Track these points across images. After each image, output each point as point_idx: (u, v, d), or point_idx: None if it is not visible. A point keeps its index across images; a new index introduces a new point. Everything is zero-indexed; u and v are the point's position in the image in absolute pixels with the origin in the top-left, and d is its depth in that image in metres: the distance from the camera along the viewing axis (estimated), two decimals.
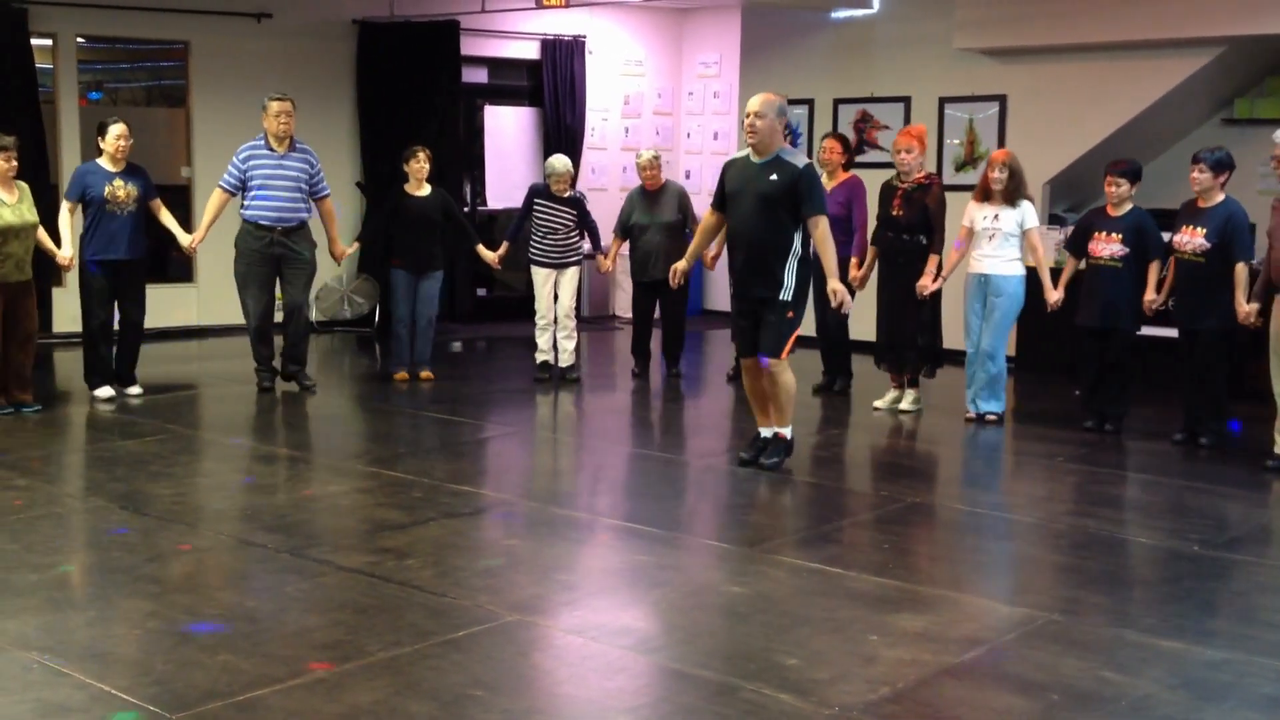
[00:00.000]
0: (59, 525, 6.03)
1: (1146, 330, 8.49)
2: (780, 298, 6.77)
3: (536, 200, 9.80)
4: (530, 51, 13.75)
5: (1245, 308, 7.38)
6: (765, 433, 7.14)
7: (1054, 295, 8.21)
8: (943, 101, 11.25)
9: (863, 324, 9.31)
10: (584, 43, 13.89)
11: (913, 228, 8.39)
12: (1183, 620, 4.90)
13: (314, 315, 12.23)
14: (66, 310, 11.08)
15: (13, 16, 10.97)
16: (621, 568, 5.60)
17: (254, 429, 8.45)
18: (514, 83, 14.00)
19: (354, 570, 5.32)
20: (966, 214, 8.42)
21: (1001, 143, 10.94)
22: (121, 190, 8.61)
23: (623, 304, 13.95)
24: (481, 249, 9.96)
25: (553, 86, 13.70)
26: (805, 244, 6.80)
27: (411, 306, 9.60)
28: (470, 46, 13.18)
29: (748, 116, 6.82)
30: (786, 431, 7.12)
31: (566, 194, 9.78)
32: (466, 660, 4.38)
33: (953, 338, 9.25)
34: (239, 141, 9.23)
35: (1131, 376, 8.16)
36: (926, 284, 8.33)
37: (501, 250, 9.96)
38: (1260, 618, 4.99)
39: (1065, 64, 10.59)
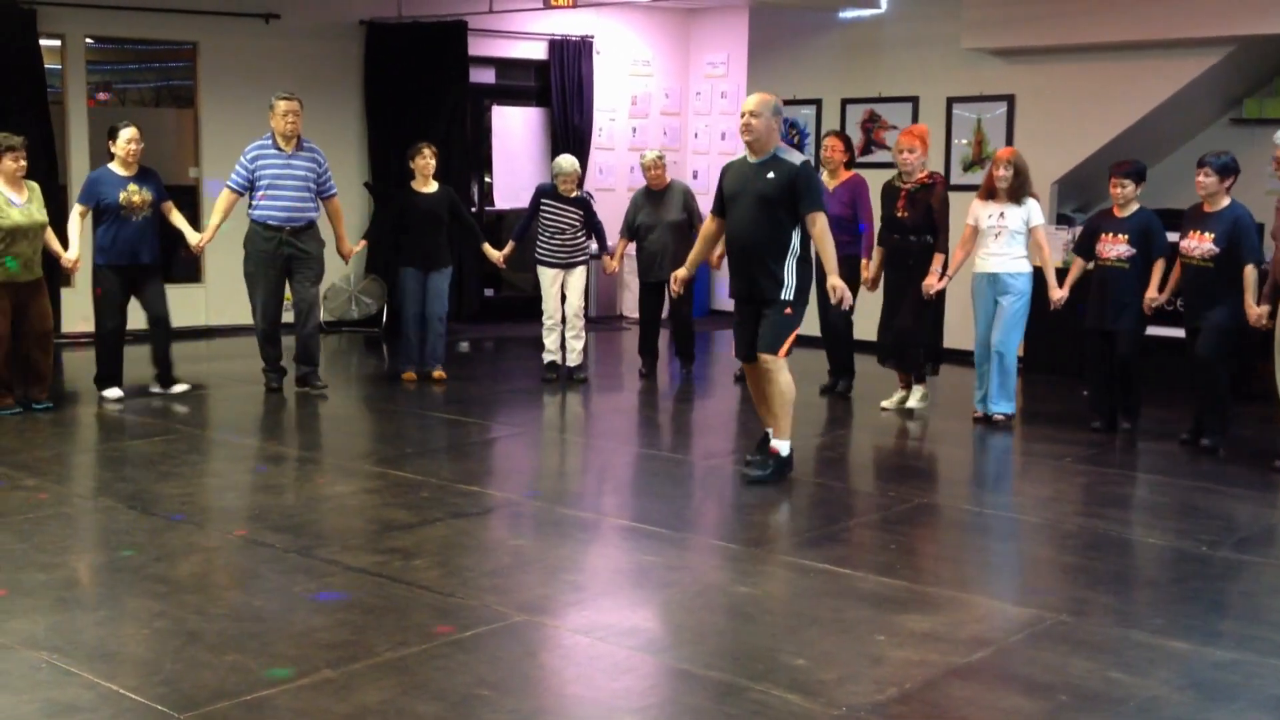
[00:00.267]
0: (67, 525, 6.04)
1: (1156, 331, 8.46)
2: (781, 297, 6.72)
3: (543, 200, 9.80)
4: (538, 52, 13.76)
5: (1256, 310, 7.34)
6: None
7: (1058, 293, 8.18)
8: (950, 101, 11.23)
9: (868, 323, 9.29)
10: (591, 43, 13.89)
11: (918, 228, 8.37)
12: (1191, 621, 4.89)
13: (322, 315, 12.26)
14: (76, 310, 11.11)
15: (22, 17, 11.00)
16: (629, 568, 5.60)
17: (262, 429, 8.47)
18: (521, 83, 14.01)
19: (361, 570, 5.33)
20: (971, 213, 8.39)
21: (1009, 143, 10.92)
22: (136, 196, 8.62)
23: (630, 304, 13.96)
24: (487, 248, 9.97)
25: (560, 87, 13.71)
26: (805, 243, 6.75)
27: (421, 305, 9.60)
28: (478, 47, 13.19)
29: (743, 116, 6.77)
30: (783, 446, 6.88)
31: (573, 194, 9.78)
32: (473, 660, 4.39)
33: (957, 337, 9.25)
34: (247, 142, 9.23)
35: (1140, 376, 8.13)
36: (932, 283, 8.32)
37: (507, 250, 9.96)
38: (1268, 618, 4.98)
39: (1073, 64, 10.57)
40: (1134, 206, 7.99)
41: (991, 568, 5.80)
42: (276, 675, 4.21)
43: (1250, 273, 7.41)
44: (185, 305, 12.02)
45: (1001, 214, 8.20)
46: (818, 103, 12.09)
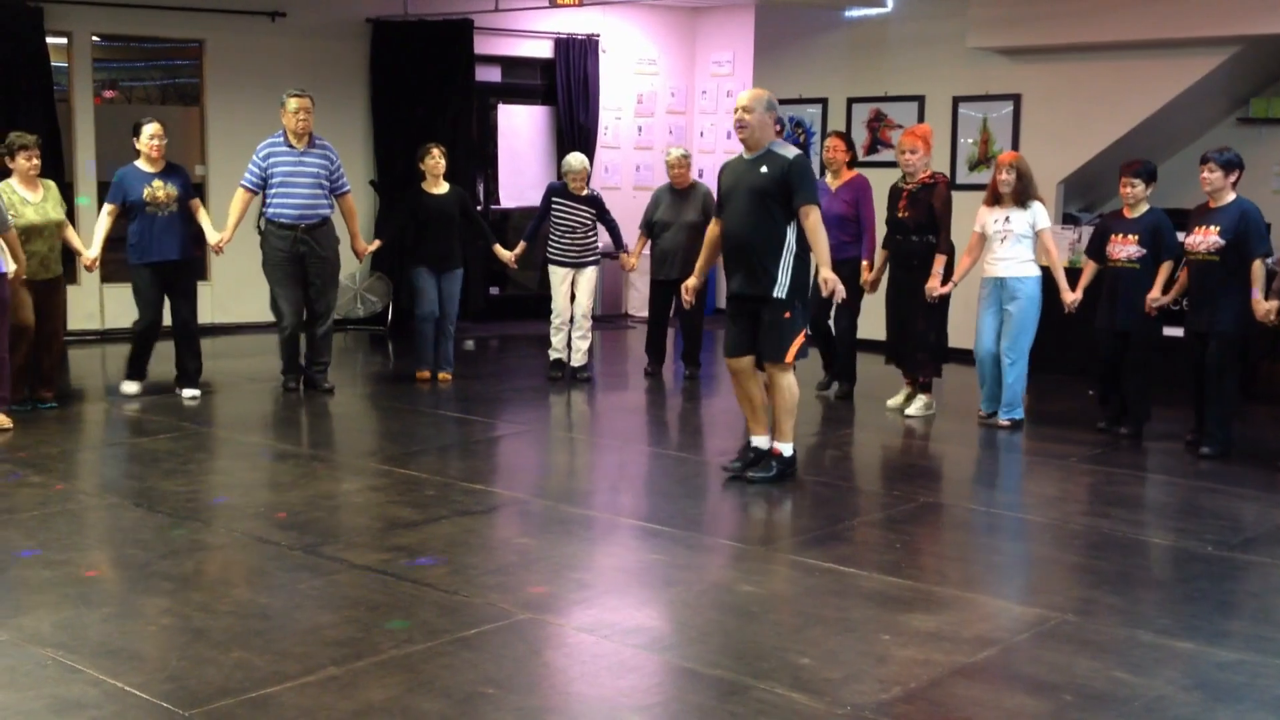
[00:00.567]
0: (74, 522, 6.05)
1: (1166, 331, 8.42)
2: (775, 295, 6.61)
3: (554, 199, 9.80)
4: (544, 50, 13.76)
5: (1265, 305, 7.32)
6: (757, 441, 6.92)
7: (1070, 296, 8.16)
8: (956, 101, 11.23)
9: (871, 323, 9.27)
10: (597, 41, 13.90)
11: (920, 228, 8.35)
12: (1197, 621, 4.88)
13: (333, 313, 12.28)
14: (82, 308, 11.13)
15: (29, 15, 11.01)
16: (634, 566, 5.60)
17: (268, 427, 8.47)
18: (527, 81, 14.01)
19: (367, 568, 5.33)
20: (978, 219, 8.36)
21: (1016, 142, 10.92)
22: (161, 191, 8.62)
23: (635, 303, 13.96)
24: (498, 248, 9.96)
25: (566, 85, 13.71)
26: (801, 239, 6.65)
27: (436, 305, 9.59)
28: (484, 45, 13.20)
29: (736, 112, 6.70)
30: (785, 448, 6.82)
31: (584, 192, 9.78)
32: (478, 658, 4.39)
33: (961, 338, 9.22)
34: (253, 140, 9.23)
35: (1152, 379, 8.09)
36: (935, 286, 8.28)
37: (518, 249, 9.95)
38: (1275, 619, 4.97)
39: (1080, 63, 10.56)
40: (1144, 207, 7.97)
41: (997, 567, 5.80)
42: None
43: (1259, 266, 7.38)
44: None
45: (1007, 218, 8.17)
46: (823, 101, 12.09)
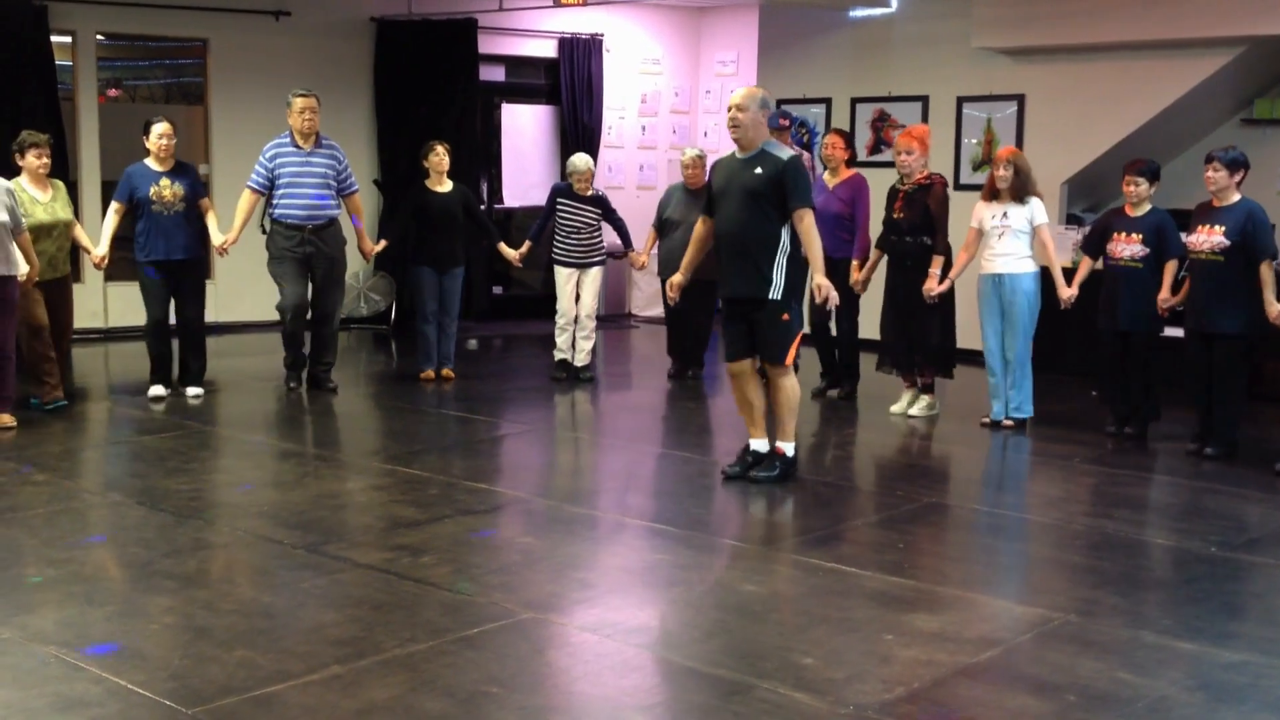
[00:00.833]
0: (78, 520, 6.06)
1: (1169, 331, 8.40)
2: (770, 296, 6.55)
3: (559, 200, 9.79)
4: (548, 50, 13.76)
5: (1276, 307, 7.27)
6: (756, 445, 6.87)
7: (1067, 292, 8.09)
8: (961, 101, 11.22)
9: (873, 324, 9.24)
10: (601, 41, 13.90)
11: (915, 229, 8.30)
12: (1200, 622, 4.88)
13: (339, 313, 12.27)
14: (86, 306, 11.13)
15: (33, 14, 11.02)
16: (637, 566, 5.60)
17: (271, 426, 8.47)
18: (531, 81, 14.02)
19: (370, 567, 5.33)
20: (974, 215, 8.30)
21: (1020, 142, 10.90)
22: (168, 190, 8.60)
23: (639, 303, 13.96)
24: (503, 246, 9.94)
25: (570, 85, 13.71)
26: (795, 241, 6.57)
27: (438, 303, 9.58)
28: (488, 45, 13.20)
29: (729, 111, 6.64)
30: (788, 447, 6.80)
31: (589, 193, 9.78)
32: (482, 657, 4.39)
33: (967, 337, 9.21)
34: (257, 139, 9.24)
35: (1156, 379, 8.06)
36: (932, 286, 8.24)
37: (524, 249, 9.94)
38: (1278, 620, 4.96)
39: (1084, 63, 10.55)
40: (1147, 206, 7.94)
41: (1000, 568, 5.79)
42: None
43: (1268, 269, 7.31)
44: None
45: (1005, 214, 8.11)
46: (827, 101, 12.08)
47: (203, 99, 12.27)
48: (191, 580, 5.18)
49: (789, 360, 6.67)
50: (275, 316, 9.31)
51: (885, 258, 8.63)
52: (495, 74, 13.73)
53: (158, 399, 8.73)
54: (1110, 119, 10.38)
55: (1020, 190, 8.09)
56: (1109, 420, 8.19)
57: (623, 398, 9.83)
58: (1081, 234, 10.08)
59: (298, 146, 8.99)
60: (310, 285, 9.12)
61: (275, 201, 9.00)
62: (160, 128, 8.66)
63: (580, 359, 9.88)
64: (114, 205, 8.72)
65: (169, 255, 8.66)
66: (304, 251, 8.99)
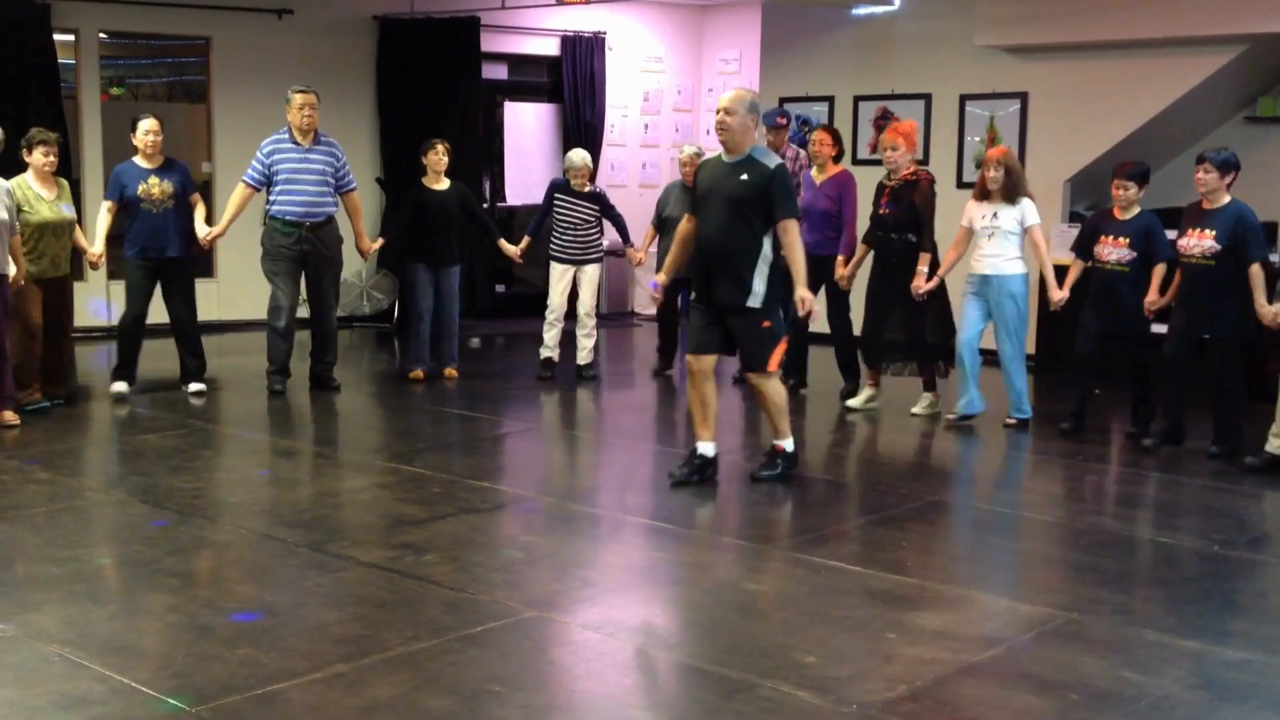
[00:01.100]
0: (81, 519, 6.06)
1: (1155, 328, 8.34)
2: (749, 305, 6.44)
3: (557, 195, 9.77)
4: (550, 48, 13.76)
5: (1269, 309, 7.23)
6: (704, 448, 6.68)
7: (1058, 294, 8.03)
8: (963, 99, 11.21)
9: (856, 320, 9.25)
10: (604, 39, 13.90)
11: (901, 225, 8.25)
12: (1203, 620, 4.88)
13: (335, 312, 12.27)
14: (89, 305, 11.14)
15: (35, 12, 11.03)
16: (640, 564, 5.60)
17: (274, 424, 8.47)
18: (534, 79, 14.02)
19: (373, 565, 5.34)
20: (965, 214, 8.26)
21: (1022, 140, 10.90)
22: (155, 188, 8.58)
23: (642, 300, 13.96)
24: (503, 243, 9.92)
25: (573, 83, 13.71)
26: (776, 249, 6.46)
27: (432, 302, 9.57)
28: (490, 43, 13.20)
29: (718, 113, 6.52)
30: (787, 444, 6.74)
31: (586, 189, 9.76)
32: (485, 656, 4.39)
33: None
34: (260, 137, 9.21)
35: (1153, 380, 8.03)
36: (920, 284, 8.19)
37: (523, 244, 9.92)
38: None
39: (1087, 61, 10.54)
40: (1136, 209, 7.89)
41: (1002, 566, 5.79)
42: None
43: (1258, 271, 7.27)
44: (198, 300, 12.04)
45: (995, 214, 8.06)
46: (830, 99, 12.07)
47: (205, 97, 12.28)
48: (195, 578, 5.19)
49: (773, 367, 6.57)
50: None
51: (871, 253, 8.58)
52: (498, 72, 13.74)
53: (120, 396, 8.67)
54: (1113, 117, 10.37)
55: (1011, 191, 8.04)
56: (1065, 419, 8.09)
57: (625, 396, 9.83)
58: None
59: (296, 143, 8.92)
60: (305, 284, 9.06)
61: (273, 198, 8.93)
62: (147, 124, 8.62)
63: (582, 357, 9.86)
64: (105, 204, 8.69)
65: (158, 254, 8.62)
66: (300, 249, 8.92)
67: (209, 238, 8.92)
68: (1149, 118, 10.25)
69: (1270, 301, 7.26)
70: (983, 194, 8.17)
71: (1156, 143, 10.06)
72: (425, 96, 12.75)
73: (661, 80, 14.58)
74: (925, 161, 11.24)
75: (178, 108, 13.04)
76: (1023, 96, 10.91)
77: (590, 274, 9.81)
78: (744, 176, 6.42)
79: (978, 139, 11.14)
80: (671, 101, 14.68)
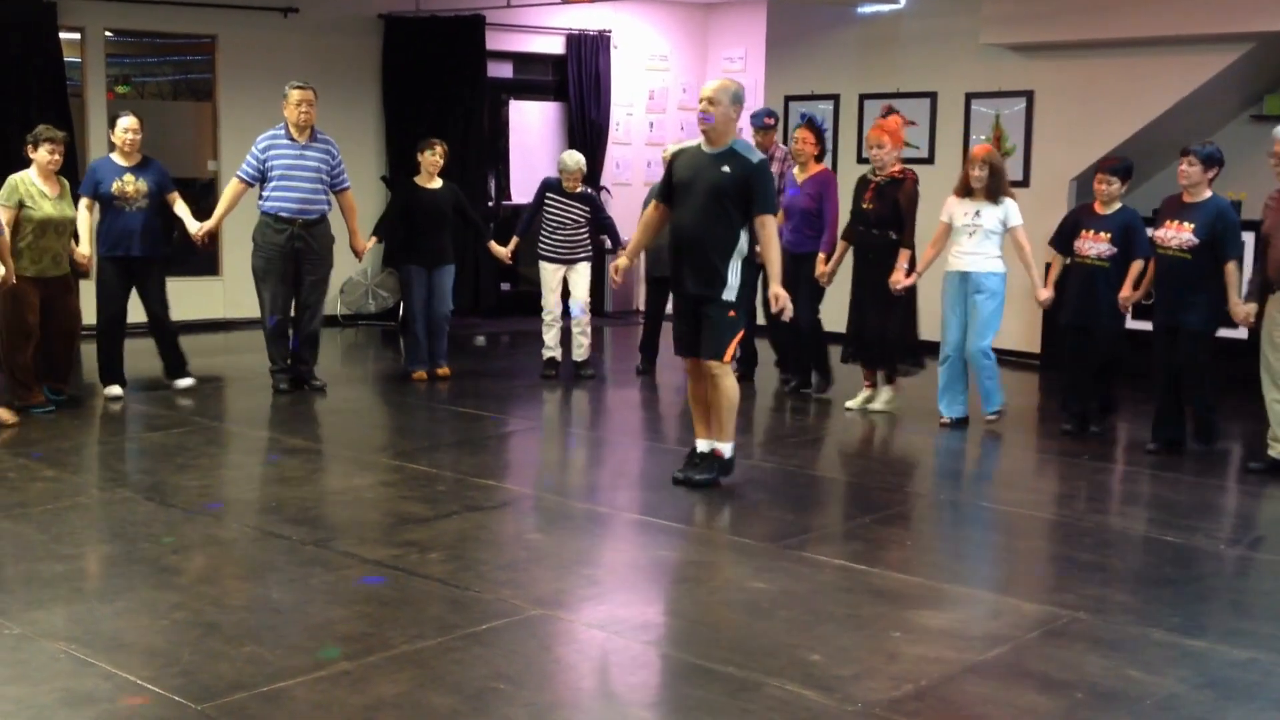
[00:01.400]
0: (85, 516, 6.07)
1: (1135, 325, 8.30)
2: (722, 296, 6.37)
3: (548, 195, 9.72)
4: (555, 46, 13.76)
5: (1243, 308, 7.18)
6: (702, 446, 6.67)
7: (1044, 294, 8.00)
8: (969, 97, 11.20)
9: (831, 318, 9.22)
10: (609, 38, 13.89)
11: (883, 222, 8.22)
12: (1208, 619, 4.88)
13: (339, 309, 12.27)
14: (93, 304, 11.14)
15: (42, 10, 11.04)
16: (644, 563, 5.60)
17: (278, 422, 8.47)
18: (539, 77, 14.02)
19: (377, 563, 5.34)
20: (945, 210, 8.20)
21: (1028, 138, 10.90)
22: (130, 186, 8.49)
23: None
24: (493, 245, 9.87)
25: (578, 81, 13.71)
26: (752, 243, 6.40)
27: (426, 302, 9.53)
28: (495, 41, 13.21)
29: (701, 103, 6.44)
30: (725, 448, 6.60)
31: (578, 190, 9.72)
32: (489, 654, 4.39)
33: (927, 330, 9.10)
34: None
35: (1118, 375, 7.99)
36: (899, 279, 8.17)
37: (511, 245, 9.87)
38: None
39: (1092, 60, 10.53)
40: (1117, 205, 7.86)
41: (1007, 565, 5.79)
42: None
43: (1233, 269, 7.24)
44: (202, 298, 12.09)
45: (978, 212, 8.01)
46: (835, 98, 12.07)
47: (211, 95, 12.28)
48: (200, 576, 5.19)
49: (727, 358, 6.49)
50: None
51: (850, 249, 8.55)
52: (503, 70, 13.73)
53: (116, 398, 8.63)
54: (1119, 115, 10.36)
55: (995, 190, 8.00)
56: (1065, 418, 8.09)
57: (628, 394, 9.82)
58: None
59: (292, 139, 8.87)
60: (293, 283, 8.97)
61: (266, 194, 8.86)
62: (126, 122, 8.56)
63: (579, 354, 9.83)
64: (84, 202, 8.54)
65: (127, 252, 8.53)
66: (292, 246, 8.86)
67: (201, 233, 8.84)
68: (1155, 116, 10.24)
69: (1245, 300, 7.22)
70: (965, 191, 8.13)
71: (1162, 141, 10.05)
72: (430, 95, 12.75)
73: (666, 79, 14.58)
74: (931, 160, 11.26)
75: (183, 106, 13.06)
76: (1028, 95, 10.90)
77: (582, 270, 9.77)
78: (725, 169, 6.35)
79: (983, 137, 11.13)
80: (676, 100, 14.67)
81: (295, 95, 8.86)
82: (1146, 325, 8.01)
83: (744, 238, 6.39)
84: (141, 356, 9.19)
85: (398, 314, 12.69)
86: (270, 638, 4.49)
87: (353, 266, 11.75)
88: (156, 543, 5.58)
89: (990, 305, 8.05)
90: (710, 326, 6.43)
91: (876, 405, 8.61)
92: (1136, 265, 7.74)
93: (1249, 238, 7.96)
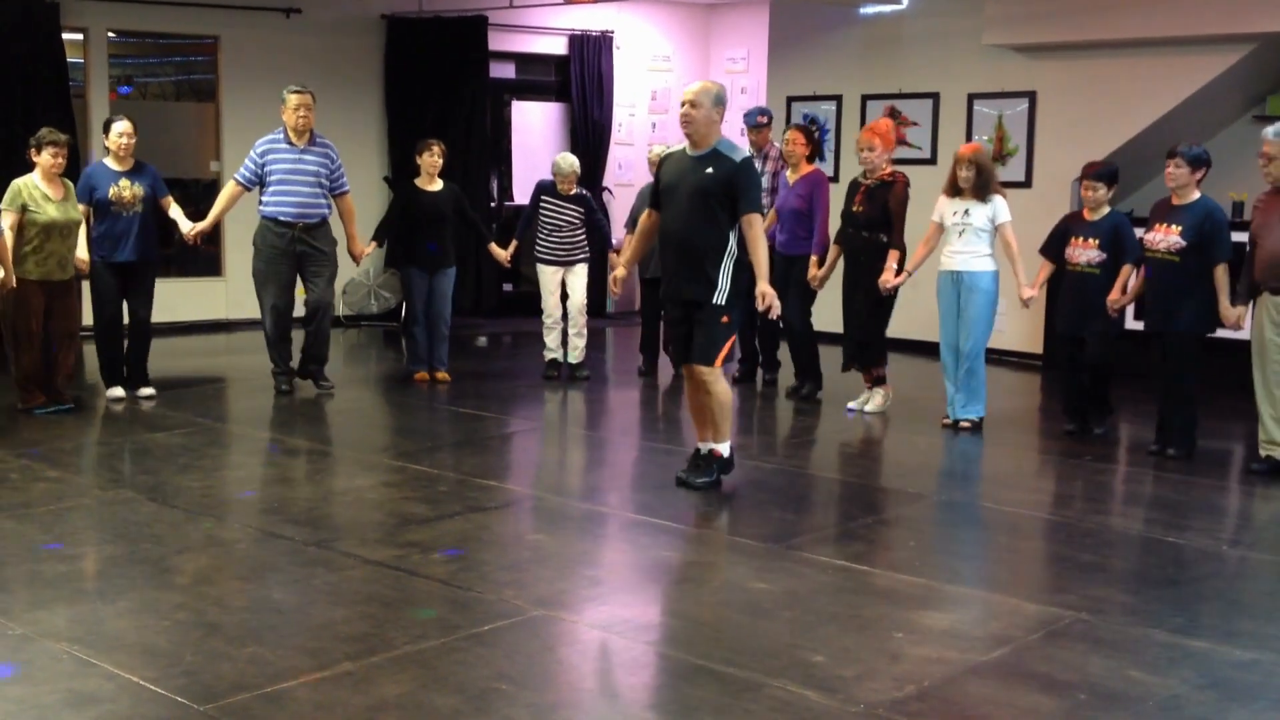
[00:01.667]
0: (88, 517, 6.07)
1: (1132, 326, 8.27)
2: (714, 301, 6.32)
3: (543, 197, 9.71)
4: (558, 47, 13.77)
5: (1233, 312, 7.17)
6: (704, 448, 6.64)
7: (1028, 292, 7.94)
8: (971, 98, 11.20)
9: (824, 320, 9.23)
10: (612, 38, 13.90)
11: (873, 224, 8.22)
12: (1211, 620, 4.87)
13: (341, 310, 12.27)
14: (88, 307, 11.15)
15: (45, 11, 11.05)
16: (646, 563, 5.60)
17: (281, 423, 8.48)
18: (541, 78, 14.03)
19: (380, 563, 5.34)
20: (936, 209, 8.19)
21: (1030, 139, 10.89)
22: (127, 191, 8.44)
23: None
24: (493, 247, 9.84)
25: (580, 82, 13.72)
26: (742, 244, 6.34)
27: (426, 304, 9.51)
28: (498, 42, 13.22)
29: (682, 106, 6.45)
30: (723, 448, 6.57)
31: (573, 192, 9.71)
32: (492, 654, 4.39)
33: (917, 328, 9.10)
34: None
35: (1111, 379, 7.98)
36: (888, 279, 8.16)
37: (511, 249, 9.84)
38: None
39: (1095, 60, 10.53)
40: (1105, 210, 7.84)
41: (1009, 565, 5.79)
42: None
43: (1222, 272, 7.22)
44: (205, 299, 12.11)
45: (966, 211, 8.00)
46: (838, 98, 12.07)
47: (214, 96, 12.30)
48: (202, 577, 5.20)
49: (718, 363, 6.45)
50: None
51: (842, 253, 8.55)
52: (505, 71, 13.74)
53: (118, 399, 8.61)
54: (1122, 116, 10.36)
55: (982, 189, 7.98)
56: (1067, 420, 8.08)
57: (630, 395, 9.82)
58: None
59: (291, 144, 8.85)
60: (302, 285, 8.97)
61: (265, 199, 8.84)
62: (120, 126, 8.52)
63: (574, 356, 9.81)
64: (80, 207, 8.43)
65: (124, 257, 8.48)
66: (294, 250, 8.85)
67: (194, 233, 8.81)
68: (1157, 117, 10.23)
69: (1234, 303, 7.21)
70: (954, 191, 8.11)
71: (1165, 142, 9.96)
72: (433, 95, 12.76)
73: (669, 79, 14.58)
74: (933, 160, 11.26)
75: (186, 106, 13.07)
76: (1031, 96, 10.90)
77: (579, 272, 9.76)
78: (709, 170, 6.32)
79: (986, 138, 11.13)
80: (679, 100, 14.64)
81: (293, 100, 8.84)
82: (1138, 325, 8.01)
83: (734, 239, 6.37)
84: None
85: (400, 314, 12.70)
86: (272, 638, 4.50)
87: (352, 269, 11.76)
88: (159, 543, 5.58)
89: (981, 304, 8.04)
90: (702, 332, 6.39)
91: (869, 407, 8.60)
92: (1125, 269, 7.72)
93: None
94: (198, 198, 11.64)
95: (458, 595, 4.98)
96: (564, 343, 9.89)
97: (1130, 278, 7.75)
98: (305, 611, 4.83)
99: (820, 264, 8.69)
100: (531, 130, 14.01)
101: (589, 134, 13.65)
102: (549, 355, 9.87)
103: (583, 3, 12.55)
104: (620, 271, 6.89)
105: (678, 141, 6.87)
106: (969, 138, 11.16)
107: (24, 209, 7.89)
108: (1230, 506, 6.60)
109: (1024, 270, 7.98)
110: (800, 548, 5.71)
